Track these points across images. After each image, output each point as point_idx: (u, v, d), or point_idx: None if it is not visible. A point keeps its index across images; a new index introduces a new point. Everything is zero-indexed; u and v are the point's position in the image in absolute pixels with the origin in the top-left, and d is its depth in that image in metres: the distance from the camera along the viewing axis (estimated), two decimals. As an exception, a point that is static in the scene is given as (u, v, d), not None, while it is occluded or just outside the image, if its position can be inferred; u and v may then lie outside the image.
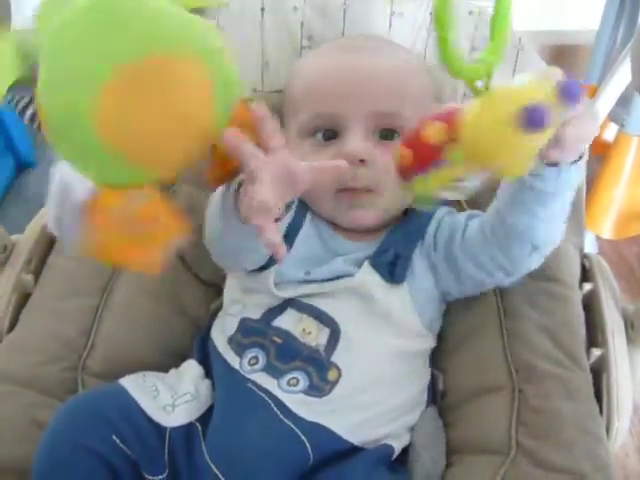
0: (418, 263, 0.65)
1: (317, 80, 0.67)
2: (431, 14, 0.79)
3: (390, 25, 0.77)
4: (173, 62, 0.41)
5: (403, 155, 0.46)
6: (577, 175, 0.53)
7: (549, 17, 1.53)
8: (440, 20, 0.48)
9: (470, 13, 0.79)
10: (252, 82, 0.80)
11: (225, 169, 0.49)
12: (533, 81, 0.44)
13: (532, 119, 0.40)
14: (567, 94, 0.41)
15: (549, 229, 0.58)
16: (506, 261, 0.60)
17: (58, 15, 0.40)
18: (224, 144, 0.46)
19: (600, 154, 1.28)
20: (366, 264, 0.64)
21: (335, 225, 0.68)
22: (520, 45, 0.76)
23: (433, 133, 0.44)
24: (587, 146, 0.52)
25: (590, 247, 1.28)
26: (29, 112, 0.62)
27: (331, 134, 0.66)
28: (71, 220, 0.41)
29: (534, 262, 0.60)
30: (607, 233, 1.25)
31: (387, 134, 0.66)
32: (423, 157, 0.45)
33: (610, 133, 1.31)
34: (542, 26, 1.51)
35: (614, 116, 1.18)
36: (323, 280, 0.63)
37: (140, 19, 0.40)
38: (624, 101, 1.12)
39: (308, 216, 0.69)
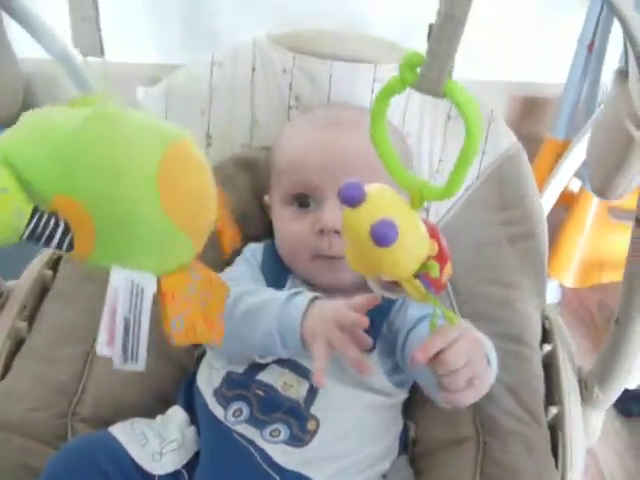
0: (386, 332, 0.68)
1: (299, 155, 0.72)
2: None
3: (372, 91, 0.83)
4: None
5: None
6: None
7: (520, 69, 1.58)
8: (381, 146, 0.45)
9: (449, 118, 0.83)
10: (242, 137, 0.85)
11: None
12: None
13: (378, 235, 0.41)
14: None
15: None
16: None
17: None
18: None
19: (565, 204, 1.35)
20: None
21: (314, 285, 0.71)
22: (492, 117, 0.82)
23: None
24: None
25: (554, 294, 1.33)
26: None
27: (306, 203, 0.70)
28: (142, 321, 0.40)
29: None
30: (570, 281, 1.31)
31: None
32: None
33: (575, 184, 1.37)
34: (513, 77, 1.58)
35: (578, 173, 1.24)
36: None
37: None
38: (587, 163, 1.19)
39: (289, 278, 0.73)
